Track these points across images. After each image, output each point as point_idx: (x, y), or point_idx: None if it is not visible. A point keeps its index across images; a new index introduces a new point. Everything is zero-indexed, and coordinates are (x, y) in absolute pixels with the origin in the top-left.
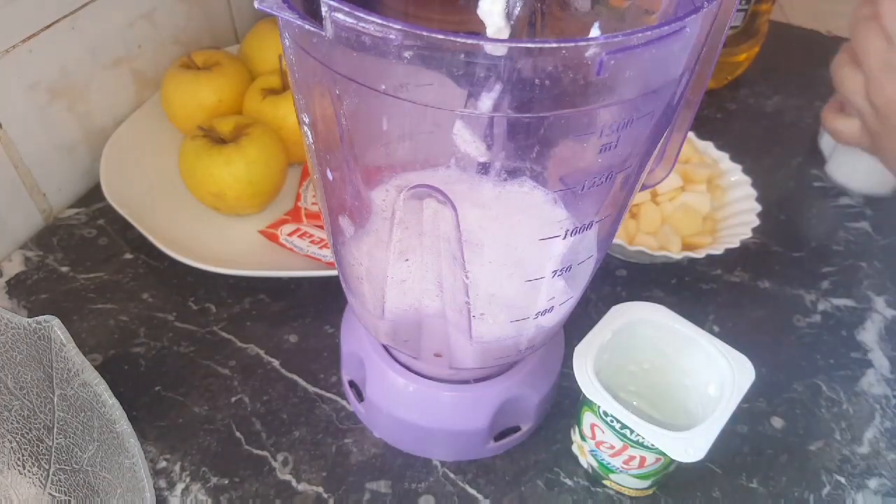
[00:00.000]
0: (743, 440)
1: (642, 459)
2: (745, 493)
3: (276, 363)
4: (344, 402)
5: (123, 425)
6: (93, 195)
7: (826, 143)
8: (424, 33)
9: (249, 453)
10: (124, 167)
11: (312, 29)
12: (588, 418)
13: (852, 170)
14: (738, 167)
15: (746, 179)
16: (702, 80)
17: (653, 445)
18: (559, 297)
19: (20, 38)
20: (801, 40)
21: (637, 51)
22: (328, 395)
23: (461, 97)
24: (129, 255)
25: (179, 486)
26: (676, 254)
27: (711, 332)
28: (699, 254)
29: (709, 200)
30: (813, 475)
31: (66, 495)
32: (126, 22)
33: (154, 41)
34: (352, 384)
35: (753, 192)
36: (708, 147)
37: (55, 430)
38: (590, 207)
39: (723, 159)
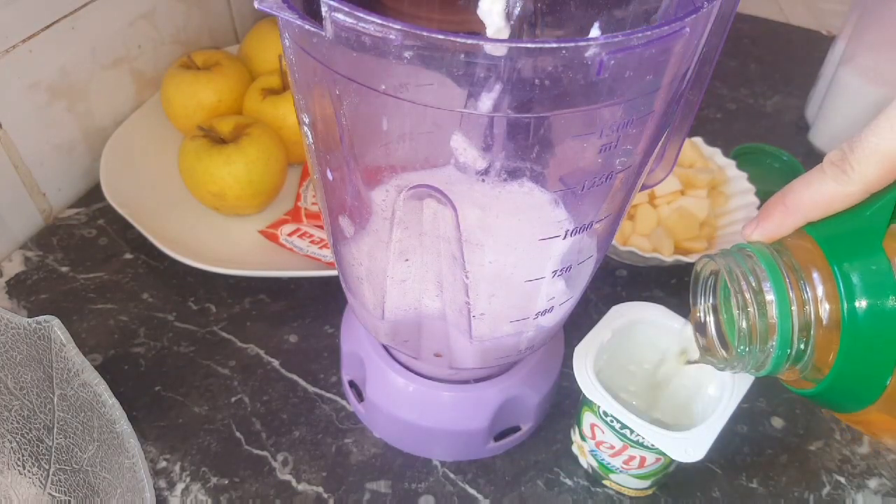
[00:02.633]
0: (743, 440)
1: (642, 459)
2: (745, 493)
3: (276, 363)
4: (344, 402)
5: (123, 425)
6: (93, 195)
7: (811, 111)
8: (424, 33)
9: (249, 453)
10: (124, 167)
11: (312, 29)
12: (588, 418)
13: (833, 138)
14: (744, 175)
15: (751, 188)
16: (702, 80)
17: (653, 445)
18: (559, 298)
19: (20, 38)
20: (801, 40)
21: (637, 51)
22: (328, 395)
23: (461, 97)
24: (129, 255)
25: (179, 486)
26: (667, 257)
27: None
28: (691, 258)
29: (707, 206)
30: (813, 475)
31: (66, 495)
32: (126, 22)
33: (154, 41)
34: (352, 384)
35: (756, 201)
36: (715, 154)
37: (55, 430)
38: (590, 208)
39: (729, 167)
